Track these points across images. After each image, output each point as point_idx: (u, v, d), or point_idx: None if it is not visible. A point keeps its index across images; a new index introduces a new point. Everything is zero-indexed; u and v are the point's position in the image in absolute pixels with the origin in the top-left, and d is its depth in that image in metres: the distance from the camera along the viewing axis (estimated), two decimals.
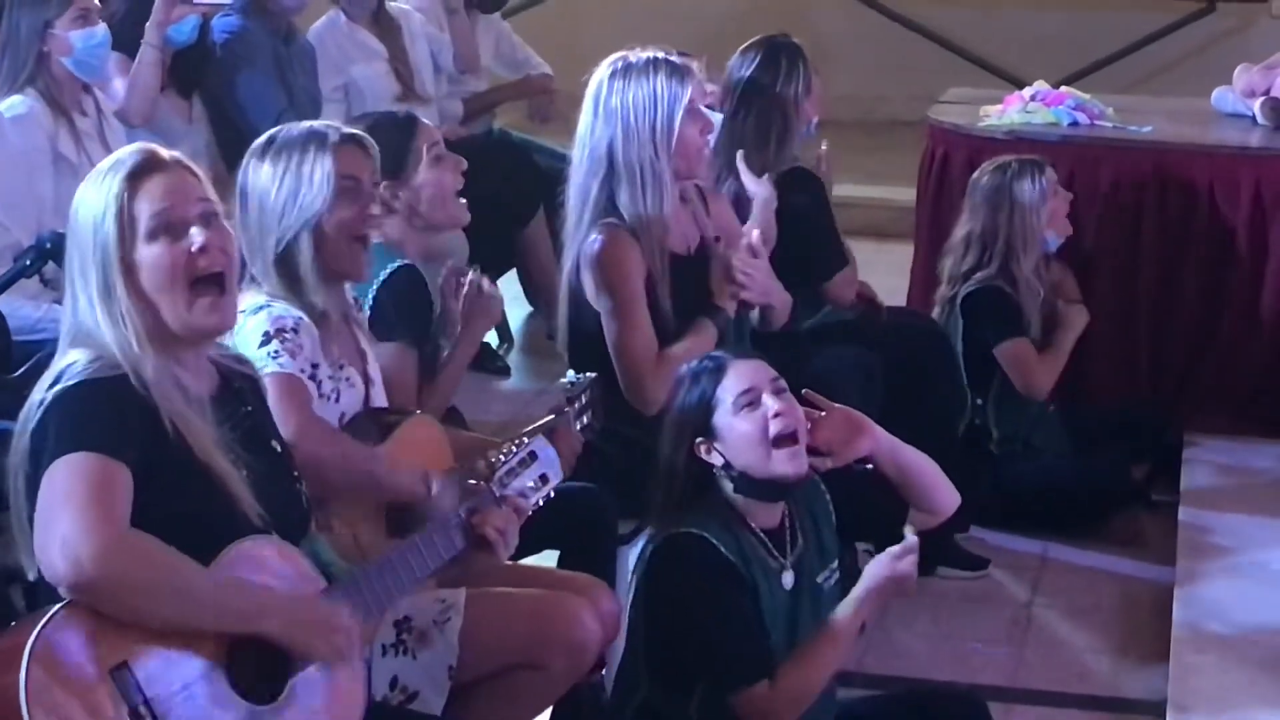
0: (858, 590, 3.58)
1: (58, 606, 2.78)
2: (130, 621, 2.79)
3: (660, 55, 4.39)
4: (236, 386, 3.11)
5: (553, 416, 3.76)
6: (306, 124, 3.77)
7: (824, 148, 5.49)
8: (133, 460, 2.85)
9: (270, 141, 3.69)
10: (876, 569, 3.58)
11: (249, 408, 3.12)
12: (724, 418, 3.58)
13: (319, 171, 3.64)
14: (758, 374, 3.61)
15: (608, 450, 4.19)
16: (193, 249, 2.94)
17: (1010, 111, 6.37)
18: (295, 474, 3.17)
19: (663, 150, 4.34)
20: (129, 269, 2.93)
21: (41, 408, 2.88)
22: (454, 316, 4.24)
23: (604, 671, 4.08)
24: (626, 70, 4.38)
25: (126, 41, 5.54)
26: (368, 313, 4.00)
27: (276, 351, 3.53)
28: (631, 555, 4.43)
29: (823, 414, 3.69)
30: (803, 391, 3.72)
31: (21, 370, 4.10)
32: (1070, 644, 4.94)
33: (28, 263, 4.38)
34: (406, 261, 4.10)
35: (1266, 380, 5.98)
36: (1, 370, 4.30)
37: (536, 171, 6.84)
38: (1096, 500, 5.57)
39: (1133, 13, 10.26)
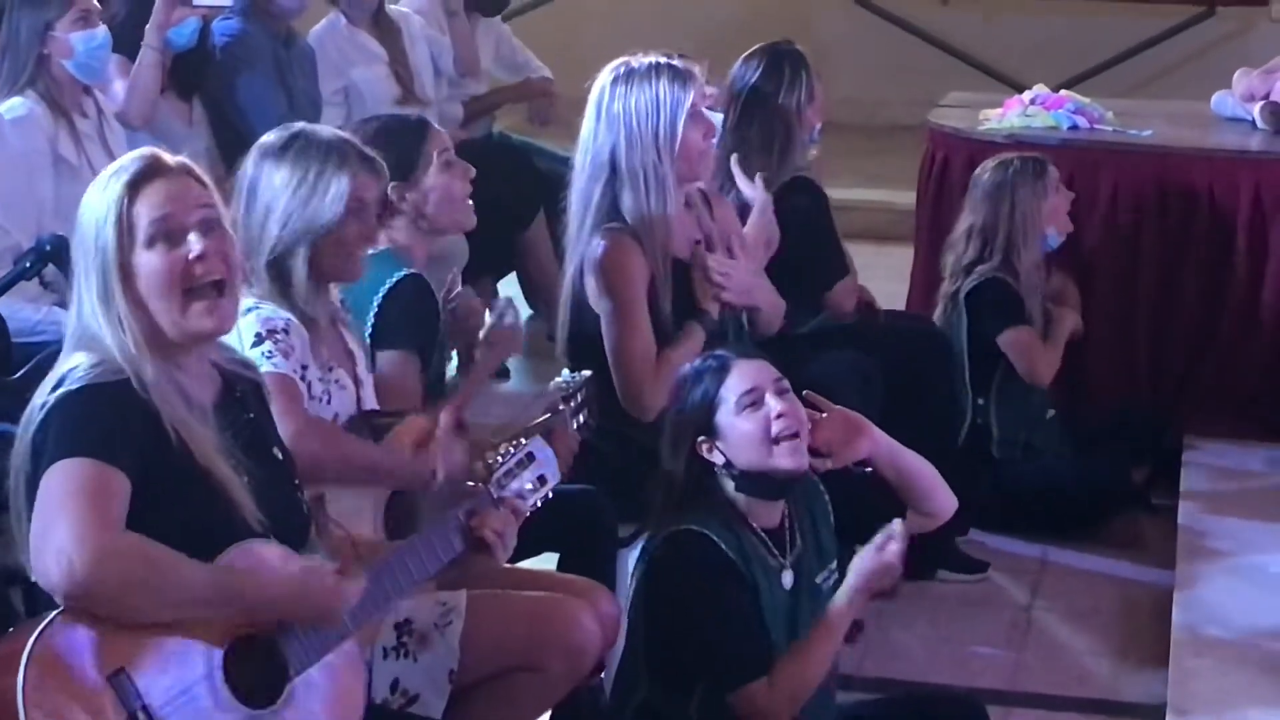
0: (847, 584, 3.59)
1: (55, 612, 2.78)
2: (127, 621, 2.79)
3: (662, 60, 4.40)
4: (239, 392, 3.11)
5: (549, 416, 3.76)
6: (328, 132, 3.76)
7: (814, 152, 5.49)
8: (131, 466, 2.84)
9: (289, 144, 3.66)
10: (862, 562, 3.58)
11: (251, 414, 3.12)
12: (726, 417, 3.59)
13: (334, 189, 3.64)
14: (761, 374, 3.62)
15: (605, 450, 4.19)
16: (190, 256, 2.94)
17: (1010, 115, 6.38)
18: (296, 481, 3.17)
19: (665, 154, 4.35)
20: (127, 274, 2.93)
21: (43, 411, 2.88)
22: (464, 329, 4.24)
23: (603, 675, 4.08)
24: (629, 75, 4.39)
25: (127, 44, 5.54)
26: (371, 320, 4.00)
27: (270, 352, 3.54)
28: (632, 557, 4.44)
29: (823, 415, 3.70)
30: (804, 393, 3.72)
31: (21, 372, 4.09)
32: (1070, 647, 4.93)
33: (28, 265, 4.38)
34: (412, 270, 4.09)
35: (1266, 383, 5.98)
36: (1, 372, 4.30)
37: (536, 174, 6.84)
38: (1096, 502, 5.58)
39: (1133, 17, 10.26)
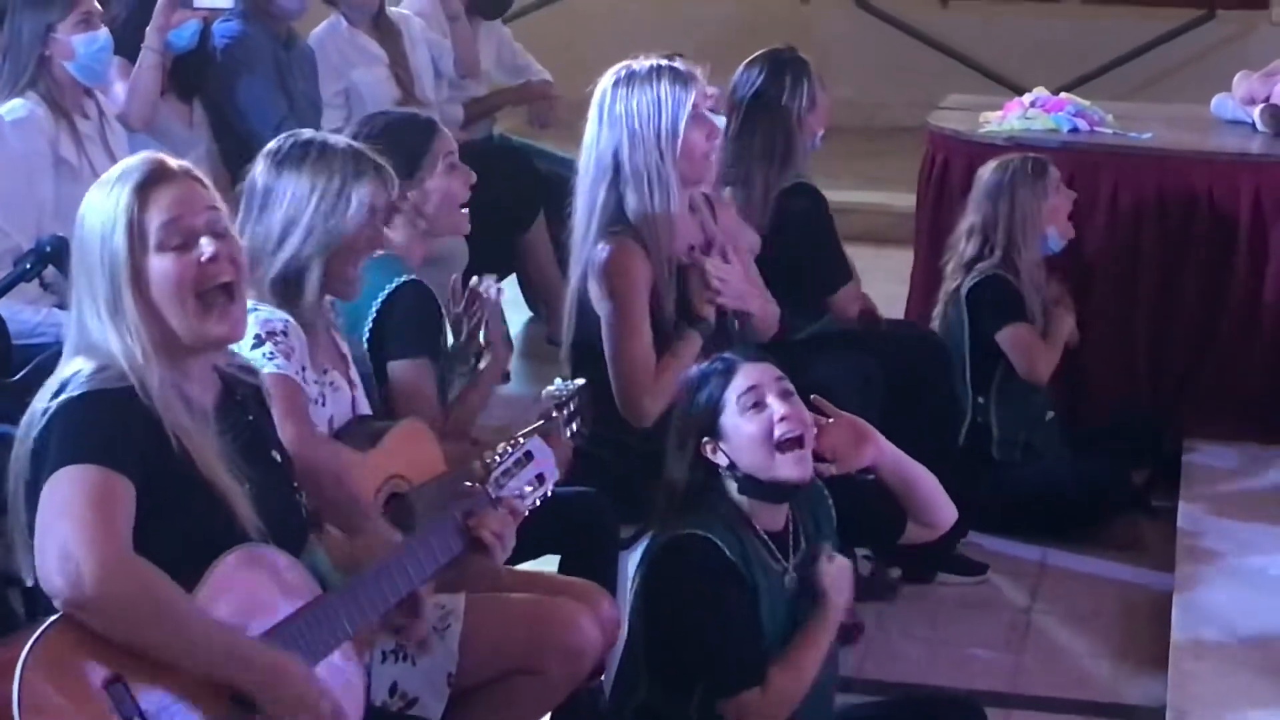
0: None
1: (53, 619, 2.77)
2: (117, 643, 2.78)
3: (664, 62, 4.41)
4: (239, 396, 3.11)
5: (542, 423, 3.76)
6: (341, 141, 3.75)
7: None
8: (134, 473, 2.84)
9: (305, 154, 3.65)
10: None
11: (251, 417, 3.11)
12: (730, 419, 3.59)
13: (355, 198, 3.64)
14: (764, 375, 3.62)
15: (603, 456, 4.19)
16: (202, 259, 2.94)
17: (1010, 118, 6.38)
18: (294, 484, 3.17)
19: (668, 154, 4.36)
20: (138, 280, 2.92)
21: (45, 416, 2.87)
22: (469, 328, 4.24)
23: (603, 678, 4.08)
24: (630, 78, 4.40)
25: (128, 46, 5.55)
26: (369, 327, 4.00)
27: (271, 353, 3.53)
28: (632, 559, 4.44)
29: (829, 421, 3.70)
30: (810, 398, 3.72)
31: (21, 374, 4.09)
32: (1069, 650, 4.93)
33: (28, 266, 4.38)
34: (410, 277, 4.09)
35: (1266, 386, 5.98)
36: (1, 374, 4.30)
37: (537, 176, 6.84)
38: (1096, 504, 5.57)
39: (1133, 20, 10.27)
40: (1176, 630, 4.70)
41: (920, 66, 10.22)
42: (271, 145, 3.72)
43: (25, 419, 2.91)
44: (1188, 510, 5.46)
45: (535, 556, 4.13)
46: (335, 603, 3.05)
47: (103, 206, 2.94)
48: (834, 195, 5.54)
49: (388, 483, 3.64)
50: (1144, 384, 6.09)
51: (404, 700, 3.49)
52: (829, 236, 5.35)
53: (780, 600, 3.62)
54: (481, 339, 4.26)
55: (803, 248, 5.12)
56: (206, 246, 2.94)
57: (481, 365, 4.23)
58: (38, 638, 2.74)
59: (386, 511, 3.64)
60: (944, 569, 5.23)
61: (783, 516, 3.66)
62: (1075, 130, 6.29)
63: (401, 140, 4.11)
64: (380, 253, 3.95)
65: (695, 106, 4.38)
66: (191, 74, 5.80)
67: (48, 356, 3.07)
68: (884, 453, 3.73)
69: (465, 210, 4.31)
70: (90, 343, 2.94)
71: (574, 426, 3.87)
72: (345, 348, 3.82)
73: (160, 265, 2.93)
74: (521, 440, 3.59)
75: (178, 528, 2.88)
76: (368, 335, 4.00)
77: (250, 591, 2.94)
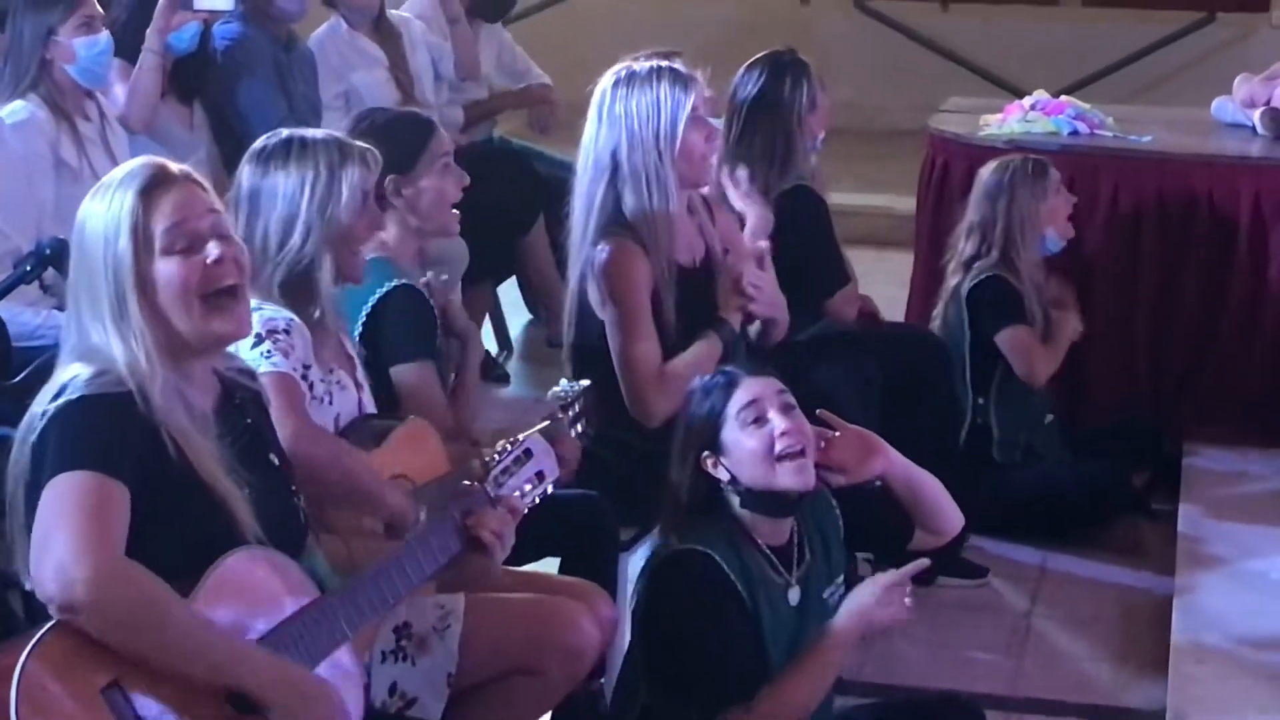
0: (839, 622, 3.57)
1: (50, 624, 2.77)
2: (113, 649, 2.78)
3: (664, 64, 4.41)
4: (238, 399, 3.11)
5: (548, 424, 3.76)
6: (318, 132, 3.75)
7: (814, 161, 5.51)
8: (131, 479, 2.83)
9: (286, 151, 3.65)
10: (860, 602, 3.58)
11: (250, 420, 3.11)
12: (731, 433, 3.56)
13: (346, 186, 3.64)
14: (765, 389, 3.58)
15: (606, 457, 4.19)
16: (208, 262, 2.95)
17: (1010, 121, 6.38)
18: (293, 487, 3.17)
19: (666, 154, 4.36)
20: (143, 284, 2.92)
21: (43, 420, 2.87)
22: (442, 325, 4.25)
23: (602, 679, 4.08)
24: (630, 78, 4.40)
25: (128, 48, 5.54)
26: (357, 332, 4.00)
27: (269, 351, 3.54)
28: (632, 562, 4.44)
29: (836, 434, 3.68)
30: (816, 412, 3.71)
31: (21, 376, 4.09)
32: (1070, 653, 4.93)
33: (28, 269, 4.37)
34: (402, 281, 4.09)
35: (1266, 388, 5.98)
36: (1, 376, 4.30)
37: (537, 179, 6.85)
38: (1096, 507, 5.57)
39: (1133, 23, 10.28)
40: (1177, 634, 4.70)
41: (920, 69, 10.22)
42: (253, 149, 3.72)
43: (24, 422, 2.91)
44: (1188, 514, 5.46)
45: (536, 558, 4.14)
46: (334, 604, 3.05)
47: (105, 212, 2.94)
48: (834, 198, 5.55)
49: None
50: (1144, 386, 6.09)
51: (403, 700, 3.49)
52: (828, 240, 5.35)
53: (783, 615, 3.58)
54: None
55: (801, 250, 5.12)
56: (213, 249, 2.95)
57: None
58: (35, 642, 2.74)
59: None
60: (945, 572, 5.22)
61: (786, 529, 3.63)
62: (1075, 133, 6.29)
63: (400, 137, 4.12)
64: (371, 255, 3.95)
65: (695, 108, 4.38)
66: (192, 76, 5.79)
67: (48, 359, 3.06)
68: (893, 464, 3.71)
69: (456, 212, 4.30)
70: (89, 347, 2.93)
71: (579, 427, 3.87)
72: (352, 348, 3.83)
73: (166, 269, 2.93)
74: (520, 438, 3.59)
75: (176, 531, 2.88)
76: (357, 340, 4.00)
77: (249, 594, 2.94)
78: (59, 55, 5.10)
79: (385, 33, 6.66)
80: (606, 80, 4.44)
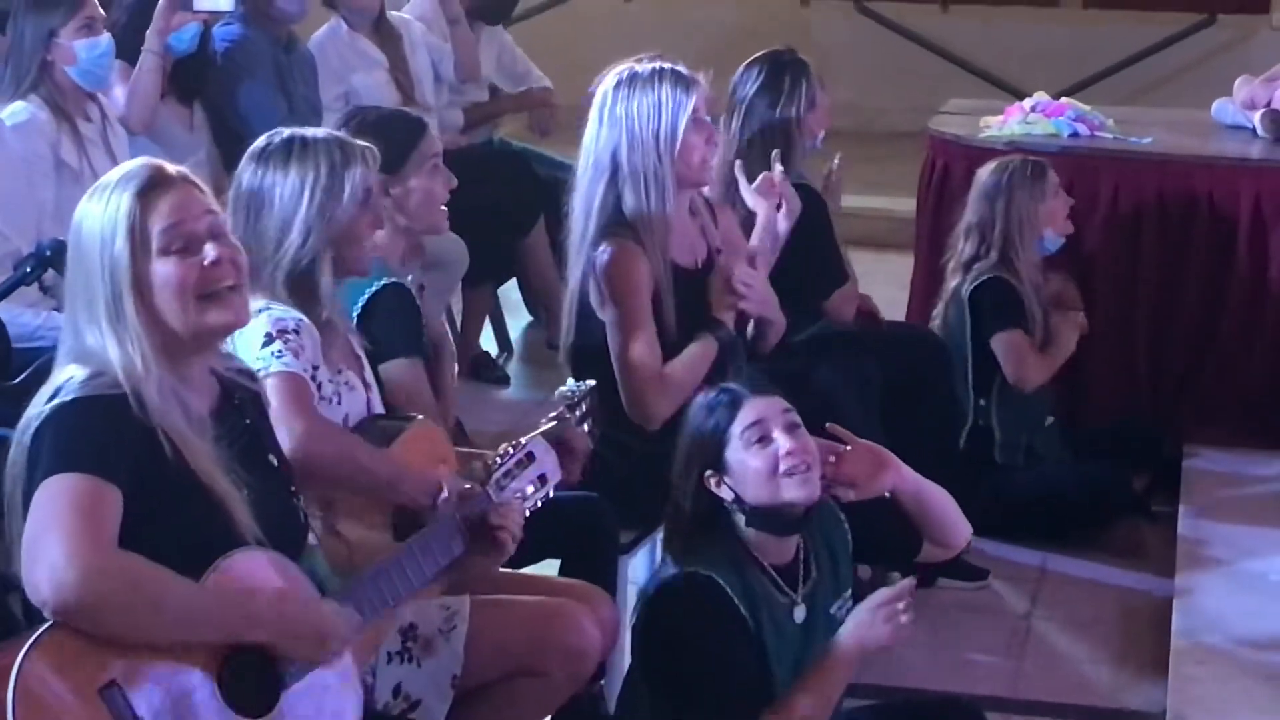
0: (840, 643, 3.55)
1: (46, 625, 2.77)
2: (116, 640, 2.78)
3: (666, 66, 4.41)
4: (237, 400, 3.10)
5: (555, 424, 3.76)
6: (319, 131, 3.75)
7: (837, 162, 5.50)
8: (125, 481, 2.83)
9: (287, 150, 3.65)
10: (858, 623, 3.55)
11: (248, 421, 3.11)
12: (735, 453, 3.52)
13: (348, 185, 3.63)
14: (769, 409, 3.54)
15: (607, 458, 4.19)
16: (206, 263, 2.94)
17: (1010, 122, 6.38)
18: (292, 488, 3.16)
19: (666, 155, 4.36)
20: (140, 285, 2.91)
21: (38, 421, 2.87)
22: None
23: (603, 681, 4.08)
24: (632, 79, 4.40)
25: (128, 49, 5.54)
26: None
27: (280, 351, 3.52)
28: (633, 564, 4.44)
29: (847, 448, 3.65)
30: (826, 426, 3.69)
31: (21, 378, 4.09)
32: (1070, 655, 4.93)
33: (28, 270, 4.37)
34: (391, 280, 4.09)
35: (1266, 391, 5.98)
36: (1, 377, 4.30)
37: (537, 181, 6.85)
38: (1096, 509, 5.57)
39: (1133, 25, 10.28)
40: (1177, 635, 4.70)
41: (920, 71, 10.23)
42: (254, 147, 3.71)
43: (20, 424, 2.91)
44: (1188, 515, 5.46)
45: (536, 560, 4.13)
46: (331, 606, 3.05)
47: (102, 213, 2.93)
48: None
49: None
50: (1144, 388, 6.09)
51: (407, 702, 3.49)
52: (826, 239, 5.36)
53: (788, 634, 3.55)
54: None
55: (799, 250, 5.12)
56: (210, 251, 2.94)
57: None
58: (33, 642, 2.74)
59: (396, 515, 3.63)
60: (945, 574, 5.22)
61: (792, 547, 3.60)
62: (1075, 135, 6.29)
63: (391, 135, 4.11)
64: None
65: (696, 110, 4.38)
66: (192, 77, 5.80)
67: (48, 360, 3.06)
68: (904, 479, 3.68)
69: (445, 209, 4.30)
70: (85, 349, 2.93)
71: (585, 427, 3.87)
72: (360, 348, 3.83)
73: (163, 270, 2.92)
74: (523, 441, 3.59)
75: (175, 533, 2.88)
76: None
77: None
78: (60, 57, 5.10)
79: (385, 34, 6.66)
80: (609, 81, 4.44)
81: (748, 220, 4.94)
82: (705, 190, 4.68)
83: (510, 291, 7.22)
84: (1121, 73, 10.07)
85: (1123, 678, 4.79)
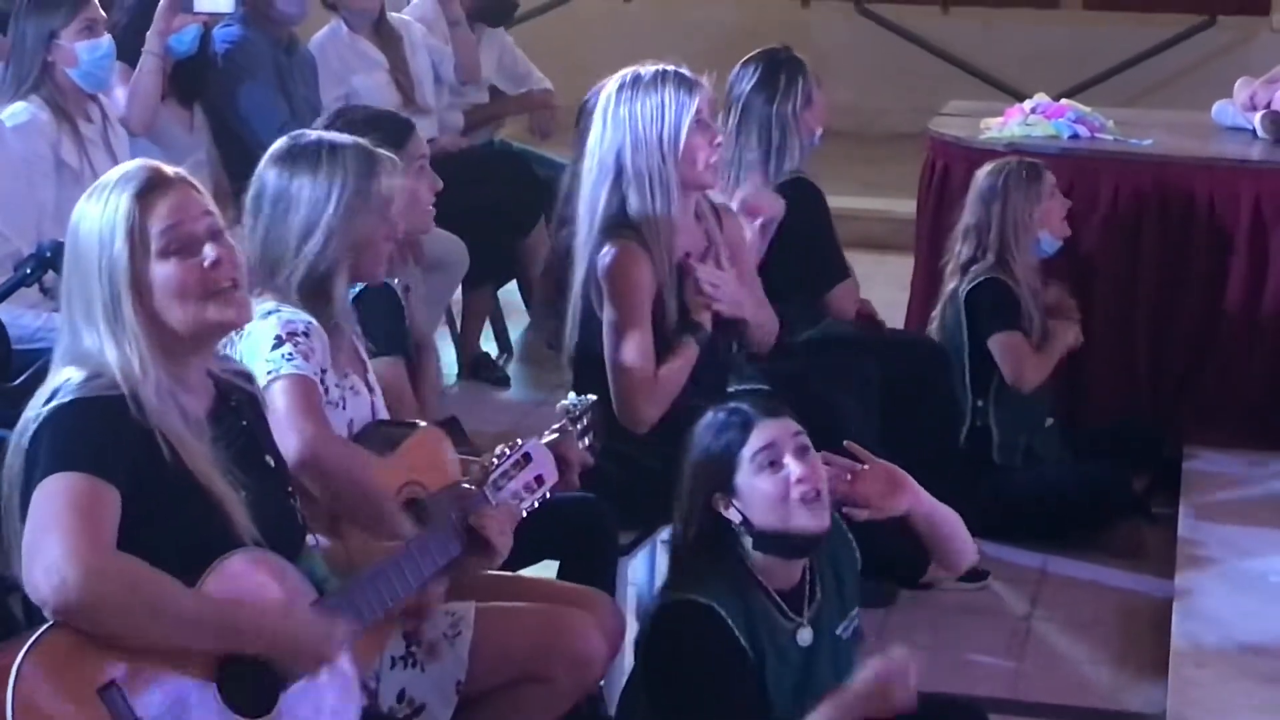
0: (839, 704, 3.45)
1: (46, 626, 2.77)
2: (114, 642, 2.78)
3: (670, 68, 4.42)
4: (234, 402, 3.10)
5: (556, 436, 3.75)
6: (350, 139, 3.73)
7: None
8: (123, 481, 2.83)
9: (316, 153, 3.64)
10: (849, 695, 3.45)
11: (245, 422, 3.10)
12: (745, 477, 3.48)
13: (373, 195, 3.64)
14: (780, 432, 3.50)
15: (607, 467, 4.18)
16: (205, 264, 2.94)
17: (1011, 124, 6.38)
18: (289, 489, 3.17)
19: (670, 157, 4.36)
20: (138, 286, 2.91)
21: (36, 423, 2.87)
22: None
23: (602, 682, 4.07)
24: (635, 82, 4.41)
25: (128, 50, 5.55)
26: None
27: (290, 354, 3.52)
28: (633, 565, 4.44)
29: (864, 467, 3.63)
30: (844, 444, 3.68)
31: (21, 379, 4.09)
32: (1070, 656, 4.93)
33: (28, 271, 4.38)
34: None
35: (1266, 392, 5.98)
36: (1, 379, 4.30)
37: (537, 182, 6.85)
38: (1096, 510, 5.57)
39: (1133, 26, 10.29)
40: (1177, 637, 4.70)
41: (920, 72, 10.23)
42: (278, 147, 3.70)
43: (18, 426, 2.91)
44: (1188, 517, 5.46)
45: (534, 561, 4.13)
46: (331, 607, 3.05)
47: (100, 215, 2.93)
48: (834, 201, 5.54)
49: (404, 489, 3.63)
50: (1144, 389, 6.09)
51: (411, 707, 3.48)
52: (826, 231, 5.36)
53: (791, 659, 3.52)
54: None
55: (799, 242, 5.12)
56: (210, 251, 2.94)
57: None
58: (32, 644, 2.74)
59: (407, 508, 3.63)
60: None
61: (798, 571, 3.56)
62: (1076, 136, 6.29)
63: (379, 135, 4.11)
64: None
65: (699, 112, 4.38)
66: (192, 79, 5.80)
67: (48, 361, 3.06)
68: (920, 500, 3.66)
69: (431, 210, 4.29)
70: (82, 350, 2.93)
71: (586, 440, 3.86)
72: (364, 352, 3.83)
73: (162, 271, 2.92)
74: (519, 442, 3.58)
75: (172, 534, 2.88)
76: None
77: (247, 596, 2.93)
78: (61, 59, 5.10)
79: (386, 36, 6.67)
80: (613, 83, 4.45)
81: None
82: (709, 193, 4.66)
83: (510, 292, 7.22)
84: (1122, 74, 10.07)
85: (1123, 679, 4.79)
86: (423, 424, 3.79)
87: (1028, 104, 6.51)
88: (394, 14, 6.86)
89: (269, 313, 3.56)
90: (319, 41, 6.61)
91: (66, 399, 2.87)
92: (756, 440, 3.49)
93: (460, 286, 6.63)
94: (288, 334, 3.54)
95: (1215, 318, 6.02)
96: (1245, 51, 9.77)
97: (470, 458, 3.77)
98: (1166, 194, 6.05)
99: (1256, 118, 6.42)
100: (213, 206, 3.02)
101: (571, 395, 3.97)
